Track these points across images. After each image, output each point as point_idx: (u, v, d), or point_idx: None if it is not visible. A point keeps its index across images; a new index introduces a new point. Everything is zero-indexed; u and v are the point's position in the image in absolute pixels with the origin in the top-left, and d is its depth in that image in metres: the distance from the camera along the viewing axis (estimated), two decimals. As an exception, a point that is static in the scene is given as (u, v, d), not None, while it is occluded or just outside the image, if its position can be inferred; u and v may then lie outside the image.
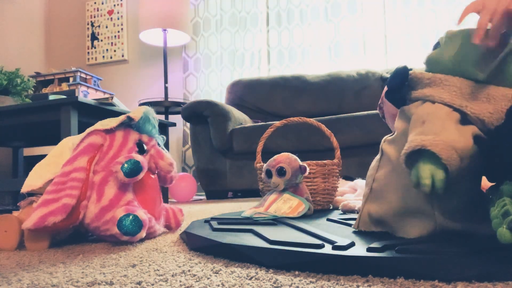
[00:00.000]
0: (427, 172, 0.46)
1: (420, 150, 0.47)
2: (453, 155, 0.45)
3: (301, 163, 0.94)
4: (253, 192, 2.62)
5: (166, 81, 2.78)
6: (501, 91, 0.49)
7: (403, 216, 0.53)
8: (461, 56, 0.51)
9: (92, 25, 3.40)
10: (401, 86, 0.55)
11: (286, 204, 0.88)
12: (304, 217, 0.85)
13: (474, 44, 0.50)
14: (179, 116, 3.10)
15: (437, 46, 0.55)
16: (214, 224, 0.75)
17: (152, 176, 0.83)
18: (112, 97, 1.63)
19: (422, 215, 0.51)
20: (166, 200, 2.10)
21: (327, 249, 0.46)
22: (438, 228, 0.50)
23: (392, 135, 0.58)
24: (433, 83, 0.52)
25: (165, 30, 2.73)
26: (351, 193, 1.71)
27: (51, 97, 1.76)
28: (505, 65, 0.49)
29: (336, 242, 0.48)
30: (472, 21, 0.53)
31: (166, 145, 2.20)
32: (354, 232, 0.58)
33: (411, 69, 0.55)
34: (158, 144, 0.87)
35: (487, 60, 0.50)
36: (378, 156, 0.60)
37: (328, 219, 0.76)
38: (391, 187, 0.54)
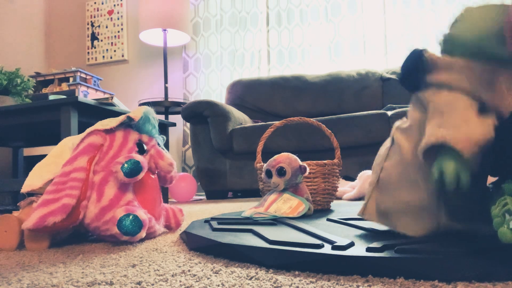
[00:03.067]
0: (451, 169, 0.43)
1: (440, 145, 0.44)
2: (475, 152, 0.43)
3: (301, 163, 0.94)
4: (253, 192, 2.62)
5: (166, 81, 2.78)
6: None
7: (406, 211, 0.51)
8: (484, 32, 0.47)
9: (92, 25, 3.40)
10: (415, 69, 0.52)
11: (286, 204, 0.88)
12: (304, 217, 0.85)
13: (499, 19, 0.46)
14: (179, 116, 3.10)
15: (454, 24, 0.51)
16: (214, 224, 0.75)
17: (152, 176, 0.83)
18: (112, 97, 1.63)
19: (426, 213, 0.49)
20: (166, 200, 2.09)
21: (327, 249, 0.46)
22: (441, 228, 0.49)
23: (405, 122, 0.55)
24: (450, 68, 0.48)
25: (165, 30, 2.73)
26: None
27: (51, 97, 1.76)
28: None
29: (335, 242, 0.48)
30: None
31: (166, 145, 2.20)
32: (354, 232, 0.58)
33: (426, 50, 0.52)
34: (158, 144, 0.87)
35: None
36: (388, 144, 0.56)
37: (328, 219, 0.76)
38: (397, 180, 0.52)
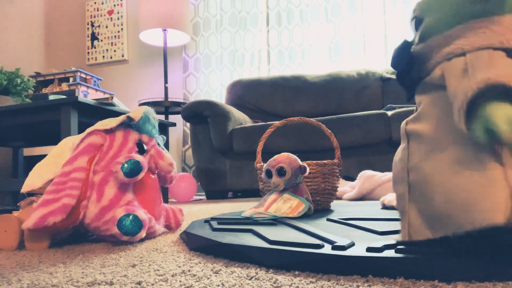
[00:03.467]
0: (501, 113, 0.34)
1: (475, 102, 0.36)
2: None
3: (301, 163, 0.94)
4: (253, 192, 2.62)
5: (166, 81, 2.78)
6: None
7: (467, 199, 0.37)
8: (451, 3, 0.42)
9: (92, 25, 3.40)
10: (410, 63, 0.46)
11: (286, 204, 0.88)
12: (304, 217, 0.85)
13: None
14: (179, 116, 3.10)
15: (418, 24, 0.46)
16: (214, 224, 0.75)
17: (152, 176, 0.83)
18: (112, 97, 1.63)
19: (493, 192, 0.36)
20: (166, 200, 2.09)
21: (327, 249, 0.46)
22: None
23: (412, 115, 0.47)
24: (451, 38, 0.41)
25: (165, 30, 2.73)
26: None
27: (51, 97, 1.77)
28: None
29: (335, 242, 0.48)
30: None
31: (166, 145, 2.20)
32: (354, 232, 0.58)
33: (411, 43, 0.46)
34: (158, 144, 0.87)
35: None
36: (402, 146, 0.47)
37: (328, 219, 0.76)
38: (440, 167, 0.40)
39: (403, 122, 0.48)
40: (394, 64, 0.48)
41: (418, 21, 0.46)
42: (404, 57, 0.46)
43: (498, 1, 0.40)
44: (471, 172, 0.38)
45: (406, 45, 0.46)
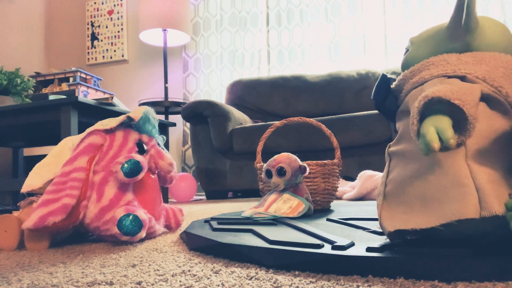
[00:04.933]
0: (428, 126, 0.39)
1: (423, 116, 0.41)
2: (467, 96, 0.39)
3: (301, 163, 0.94)
4: (253, 192, 2.62)
5: (166, 81, 2.78)
6: (487, 54, 0.47)
7: (437, 199, 0.41)
8: (433, 41, 0.51)
9: (92, 25, 3.40)
10: (386, 94, 0.54)
11: (286, 204, 0.88)
12: (304, 217, 0.85)
13: (442, 29, 0.51)
14: (179, 116, 3.10)
15: (405, 53, 0.56)
16: (214, 224, 0.75)
17: (152, 176, 0.83)
18: (112, 97, 1.63)
19: (460, 192, 0.39)
20: (166, 200, 2.09)
21: (327, 249, 0.46)
22: (483, 206, 0.38)
23: (394, 140, 0.54)
24: (417, 71, 0.51)
25: (165, 30, 2.73)
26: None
27: (51, 97, 1.76)
28: (477, 28, 0.48)
29: (335, 242, 0.48)
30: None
31: (166, 145, 2.20)
32: (354, 232, 0.58)
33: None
34: (158, 144, 0.87)
35: (456, 31, 0.49)
36: (385, 166, 0.52)
37: (328, 219, 0.76)
38: (415, 177, 0.44)
39: (387, 146, 0.53)
40: (374, 96, 0.56)
41: (406, 51, 0.56)
42: (382, 89, 0.55)
43: (465, 43, 0.49)
44: (443, 173, 0.41)
45: (384, 79, 0.55)
